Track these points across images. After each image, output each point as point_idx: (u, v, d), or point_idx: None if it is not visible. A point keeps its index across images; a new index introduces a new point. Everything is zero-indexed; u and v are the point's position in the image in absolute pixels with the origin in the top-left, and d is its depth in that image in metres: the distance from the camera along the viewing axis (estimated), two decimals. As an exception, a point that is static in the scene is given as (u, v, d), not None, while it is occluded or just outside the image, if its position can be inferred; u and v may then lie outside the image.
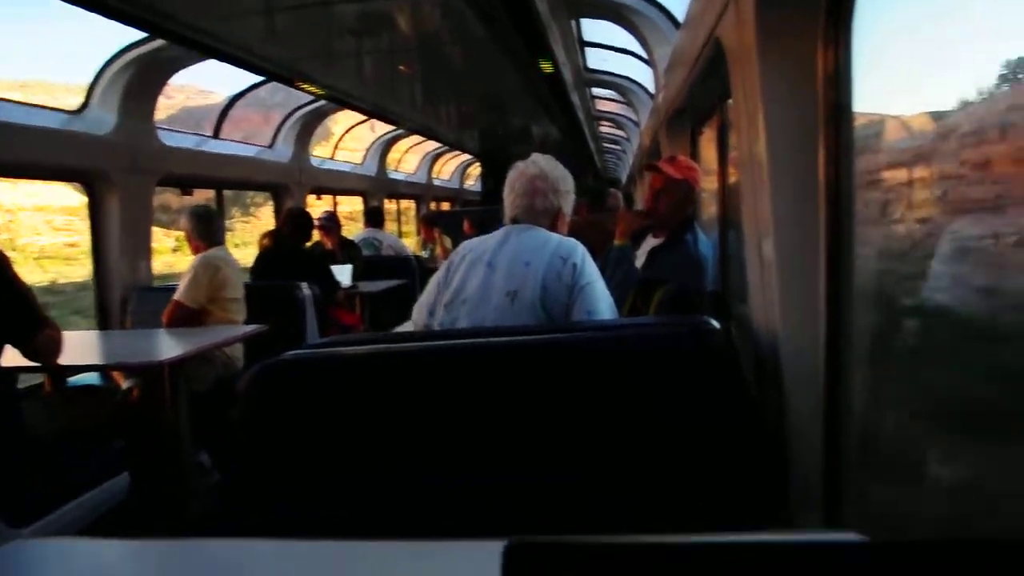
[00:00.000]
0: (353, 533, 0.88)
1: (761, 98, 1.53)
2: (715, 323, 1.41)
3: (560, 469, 1.31)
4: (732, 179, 2.98)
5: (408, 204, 11.51)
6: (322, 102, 6.28)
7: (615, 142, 11.07)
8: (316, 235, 5.50)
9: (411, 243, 8.49)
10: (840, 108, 1.41)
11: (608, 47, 5.54)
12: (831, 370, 1.43)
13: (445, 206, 13.04)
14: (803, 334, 1.48)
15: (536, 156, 2.12)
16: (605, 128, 10.03)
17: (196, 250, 3.58)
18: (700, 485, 1.29)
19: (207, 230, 3.59)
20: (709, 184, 3.52)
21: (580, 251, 1.93)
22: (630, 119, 7.74)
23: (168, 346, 3.08)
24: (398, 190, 10.22)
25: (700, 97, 3.05)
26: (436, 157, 11.47)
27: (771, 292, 1.56)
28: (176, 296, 3.46)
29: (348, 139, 8.87)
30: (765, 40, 1.53)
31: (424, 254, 7.63)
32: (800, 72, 1.49)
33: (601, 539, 0.43)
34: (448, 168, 13.06)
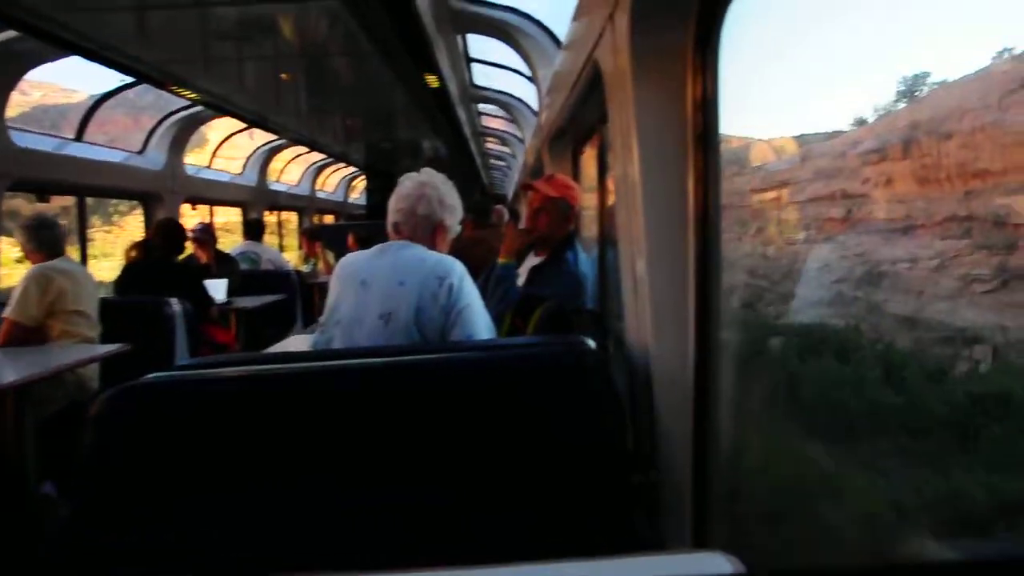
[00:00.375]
0: (217, 564, 0.81)
1: (635, 121, 1.56)
2: (590, 342, 1.43)
3: (436, 490, 1.30)
4: (611, 199, 3.06)
5: (290, 217, 11.09)
6: (199, 108, 5.95)
7: (501, 158, 11.20)
8: (189, 248, 5.20)
9: (293, 257, 8.18)
10: (708, 132, 1.46)
11: (494, 64, 5.59)
12: (700, 386, 1.47)
13: (329, 219, 12.71)
14: (673, 351, 1.52)
15: (430, 172, 2.09)
16: (492, 144, 10.13)
17: (34, 262, 3.25)
18: (575, 504, 1.30)
19: (43, 240, 3.27)
20: (592, 203, 3.60)
21: (458, 271, 1.89)
22: (516, 136, 7.85)
23: (10, 369, 2.76)
24: (280, 202, 9.84)
25: (581, 118, 3.12)
26: (320, 169, 11.15)
27: (643, 310, 1.59)
28: (6, 313, 3.13)
29: (227, 148, 8.43)
30: (639, 65, 1.56)
31: (306, 269, 7.39)
32: (672, 97, 1.53)
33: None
34: (333, 180, 12.74)
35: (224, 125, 7.24)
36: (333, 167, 11.64)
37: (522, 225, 2.95)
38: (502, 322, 2.34)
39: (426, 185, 2.03)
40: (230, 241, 8.14)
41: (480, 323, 1.89)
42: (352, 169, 12.34)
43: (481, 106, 7.29)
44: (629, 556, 0.72)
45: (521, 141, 7.22)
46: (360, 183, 13.76)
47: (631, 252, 1.68)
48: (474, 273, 2.83)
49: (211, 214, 8.00)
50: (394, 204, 2.04)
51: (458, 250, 4.06)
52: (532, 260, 2.83)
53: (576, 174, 3.88)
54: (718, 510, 1.49)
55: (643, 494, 1.60)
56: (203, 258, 5.51)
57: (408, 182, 2.05)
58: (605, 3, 1.73)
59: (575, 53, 2.52)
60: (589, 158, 3.59)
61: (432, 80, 4.83)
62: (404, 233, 2.01)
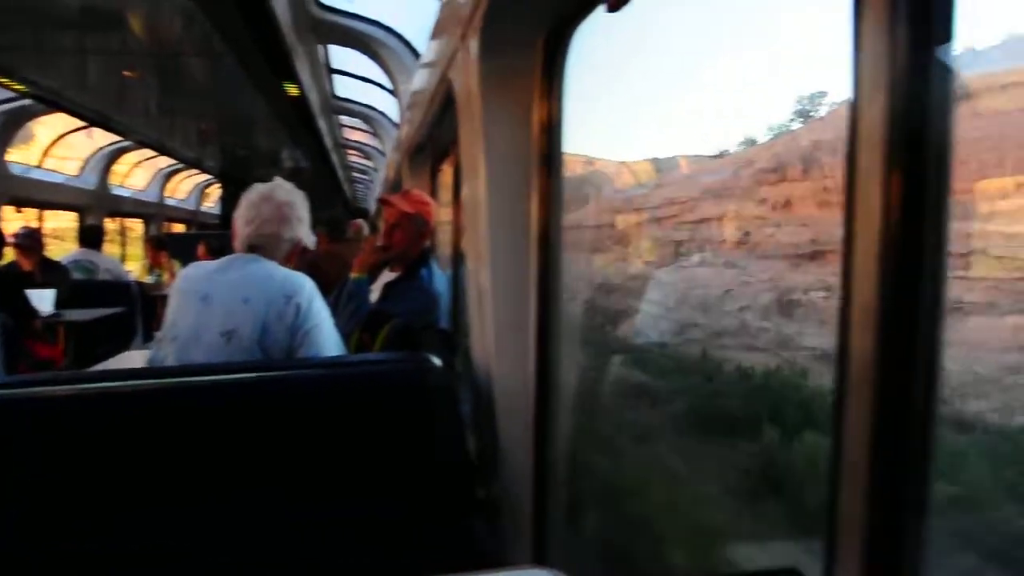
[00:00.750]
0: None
1: (482, 141, 1.58)
2: (435, 360, 1.44)
3: (280, 508, 1.28)
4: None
5: (135, 224, 10.24)
6: (27, 101, 5.38)
7: (364, 171, 11.02)
8: (10, 254, 4.72)
9: (136, 267, 7.54)
10: (552, 154, 1.51)
11: (356, 76, 5.51)
12: (540, 402, 1.50)
13: (180, 228, 11.89)
14: (515, 368, 1.54)
15: (281, 181, 1.96)
16: (355, 157, 9.94)
17: None
18: (420, 518, 1.32)
19: None
20: (449, 220, 3.61)
21: (307, 289, 1.80)
22: (378, 149, 7.75)
23: None
24: (123, 208, 9.08)
25: (438, 135, 3.13)
26: (171, 174, 10.43)
27: (487, 328, 1.61)
28: None
29: (63, 147, 7.65)
30: (488, 87, 1.59)
31: (150, 280, 6.82)
32: (519, 119, 1.57)
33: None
34: (185, 187, 11.95)
35: (61, 122, 6.62)
36: (185, 173, 10.94)
37: (377, 241, 2.91)
38: (351, 339, 2.28)
39: (285, 205, 1.91)
40: (61, 249, 7.38)
41: (329, 343, 1.82)
42: (206, 176, 11.66)
43: (344, 118, 7.14)
44: (462, 573, 0.72)
45: (383, 154, 7.14)
46: (215, 191, 13.02)
47: (476, 270, 1.69)
48: (327, 288, 2.74)
49: (40, 219, 7.24)
50: (252, 225, 1.88)
51: (312, 264, 3.92)
52: (387, 276, 2.79)
53: (435, 190, 3.88)
54: (558, 524, 1.53)
55: (487, 508, 1.62)
56: (26, 266, 4.96)
57: (266, 203, 1.90)
58: (458, 24, 1.74)
59: (432, 71, 2.52)
60: (447, 175, 3.60)
61: (292, 89, 4.69)
62: (259, 252, 1.88)
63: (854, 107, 0.62)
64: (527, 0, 1.43)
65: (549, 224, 1.49)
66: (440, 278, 2.68)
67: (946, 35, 0.58)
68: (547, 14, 1.45)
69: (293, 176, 2.10)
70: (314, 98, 5.42)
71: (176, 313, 1.78)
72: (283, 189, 1.93)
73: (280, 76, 4.35)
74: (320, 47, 4.86)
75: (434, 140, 3.36)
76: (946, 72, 0.58)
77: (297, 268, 3.41)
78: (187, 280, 1.83)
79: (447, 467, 1.38)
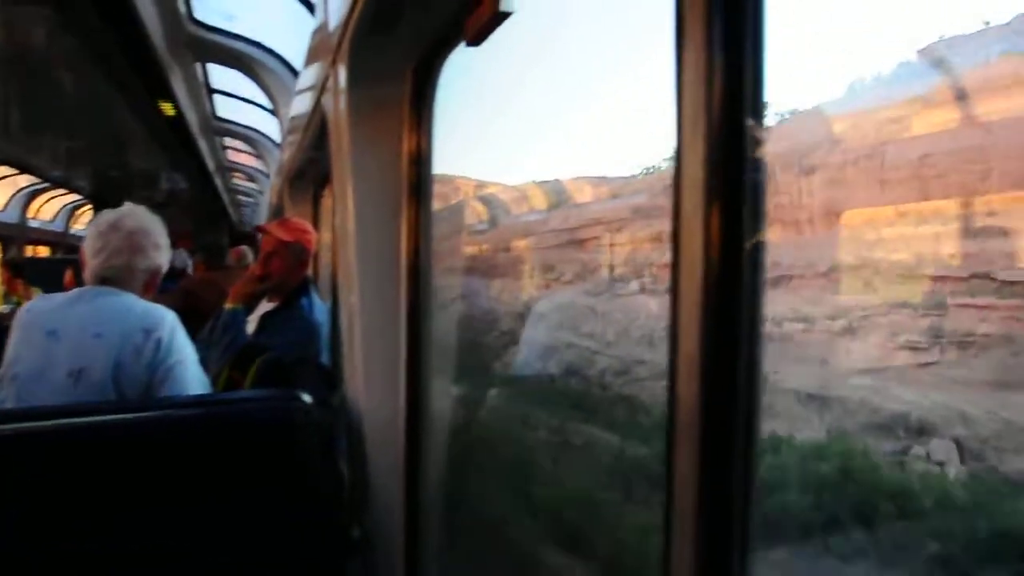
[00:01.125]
0: None
1: (351, 170, 1.56)
2: (305, 397, 1.39)
3: (147, 552, 1.21)
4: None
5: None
6: None
7: (250, 195, 10.63)
8: None
9: (-13, 296, 6.87)
10: (421, 184, 1.51)
11: (237, 97, 5.33)
12: (411, 438, 1.47)
13: (44, 251, 11.00)
14: (386, 404, 1.52)
15: (132, 207, 1.81)
16: (240, 180, 9.57)
17: None
18: (292, 558, 1.28)
19: None
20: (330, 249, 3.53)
21: (169, 322, 1.67)
22: (263, 172, 7.51)
23: None
24: None
25: (318, 160, 3.06)
26: (35, 194, 9.62)
27: (358, 360, 1.57)
28: None
29: None
30: (357, 115, 1.57)
31: (4, 309, 6.21)
32: (388, 149, 1.56)
33: None
34: (52, 208, 11.08)
35: None
36: (51, 193, 10.14)
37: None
38: (221, 375, 2.16)
39: (138, 233, 1.76)
40: None
41: (193, 381, 1.70)
42: (76, 197, 10.87)
43: (227, 139, 6.87)
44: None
45: (268, 177, 6.93)
46: (87, 213, 12.15)
47: (347, 300, 1.65)
48: (203, 318, 2.59)
49: None
50: (101, 256, 1.71)
51: (187, 292, 3.72)
52: (265, 306, 2.68)
53: (317, 217, 3.78)
54: (431, 556, 1.51)
55: (361, 547, 1.57)
56: None
57: (115, 232, 1.73)
58: (329, 50, 1.72)
59: (308, 95, 2.47)
60: (330, 201, 3.53)
61: (167, 107, 4.49)
62: (111, 284, 1.72)
63: (678, 154, 0.64)
64: (394, 31, 1.43)
65: (419, 254, 1.48)
66: (321, 308, 2.60)
67: (757, 95, 0.62)
68: (414, 46, 1.46)
69: (172, 198, 1.98)
70: (193, 118, 5.20)
71: (17, 349, 1.62)
72: (134, 216, 1.78)
73: (154, 94, 4.15)
74: (198, 65, 4.67)
75: (315, 165, 3.29)
76: (758, 124, 0.61)
77: (172, 297, 3.22)
78: (31, 313, 1.67)
79: (320, 507, 1.34)
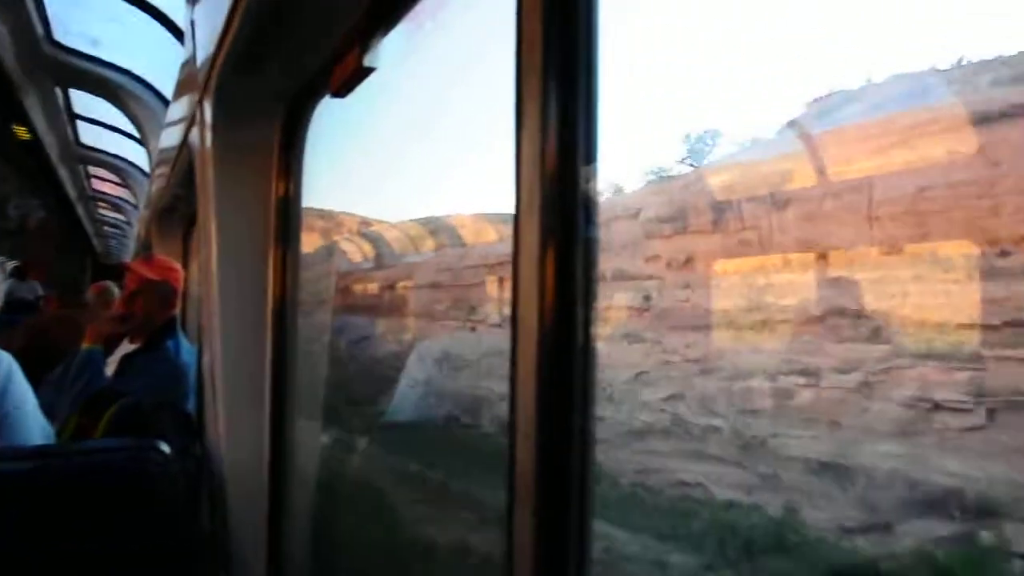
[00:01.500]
0: None
1: (216, 210, 1.52)
2: (163, 446, 1.32)
3: None
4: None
5: None
6: None
7: (117, 226, 9.98)
8: None
9: None
10: (289, 230, 1.49)
11: (103, 124, 5.03)
12: (275, 487, 1.44)
13: None
14: (250, 452, 1.47)
15: None
16: (106, 210, 8.98)
17: None
18: None
19: None
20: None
21: (3, 367, 1.55)
22: (132, 203, 7.10)
23: None
24: None
25: (188, 197, 2.95)
26: None
27: (220, 406, 1.52)
28: None
29: None
30: (222, 156, 1.54)
31: None
32: (256, 193, 1.53)
33: None
34: None
35: None
36: None
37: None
38: (69, 422, 2.01)
39: None
40: None
41: (33, 428, 1.57)
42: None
43: (93, 168, 6.45)
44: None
45: (137, 209, 6.54)
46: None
47: (209, 345, 1.60)
48: (53, 358, 2.40)
49: None
50: None
51: (39, 331, 3.43)
52: (126, 347, 2.52)
53: (187, 255, 3.61)
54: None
55: None
56: None
57: None
58: (197, 85, 1.68)
59: (177, 128, 2.39)
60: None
61: (21, 132, 4.17)
62: None
63: (517, 201, 0.68)
64: (263, 72, 1.41)
65: (286, 298, 1.46)
66: (189, 351, 2.48)
67: (589, 149, 0.67)
68: (285, 90, 1.45)
69: (30, 227, 1.85)
70: (52, 143, 4.87)
71: None
72: None
73: (6, 117, 3.85)
74: (58, 90, 4.38)
75: (185, 200, 3.16)
76: (589, 175, 0.66)
77: (18, 333, 2.97)
78: None
79: (180, 563, 1.28)
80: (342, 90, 1.17)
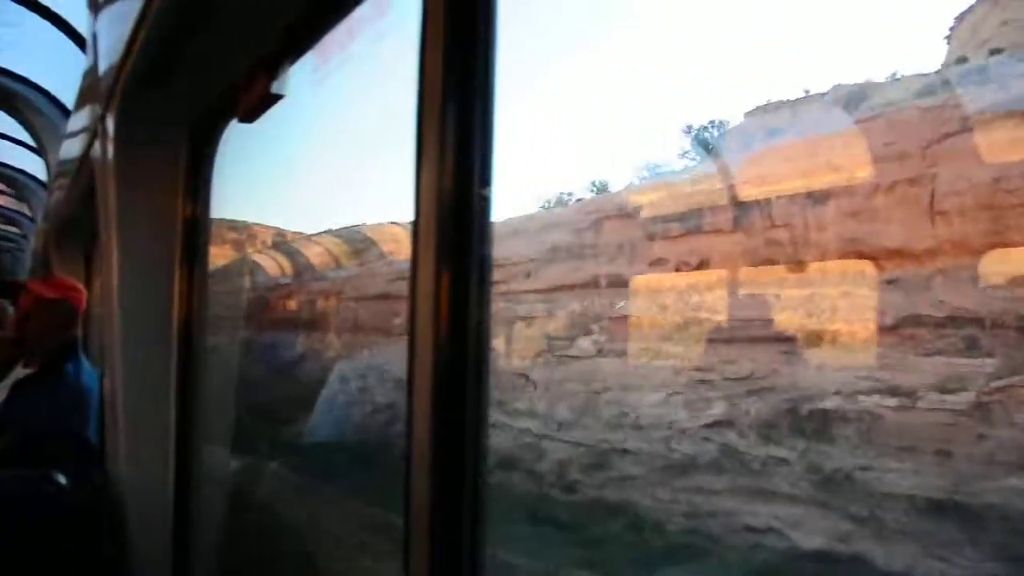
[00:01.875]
0: None
1: (119, 228, 1.47)
2: (60, 476, 1.26)
3: None
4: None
5: None
6: None
7: (12, 239, 9.36)
8: None
9: None
10: (196, 252, 1.45)
11: (-3, 133, 4.71)
12: (180, 515, 1.39)
13: None
14: (154, 479, 1.42)
15: None
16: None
17: None
18: None
19: None
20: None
21: None
22: (28, 216, 6.67)
23: None
24: None
25: (90, 210, 2.81)
26: None
27: (123, 434, 1.46)
28: None
29: None
30: (128, 173, 1.49)
31: None
32: (161, 212, 1.48)
33: None
34: None
35: None
36: None
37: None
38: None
39: None
40: None
41: None
42: None
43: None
44: None
45: (34, 222, 6.15)
46: None
47: (111, 370, 1.53)
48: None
49: None
50: None
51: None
52: (20, 372, 2.37)
53: (89, 272, 3.42)
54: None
55: None
56: None
57: None
58: (99, 99, 1.62)
59: (79, 140, 2.28)
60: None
61: None
62: None
63: (415, 222, 0.70)
64: (170, 87, 1.38)
65: (192, 320, 1.42)
66: (91, 374, 2.35)
67: (484, 172, 0.70)
68: (192, 109, 1.42)
69: None
70: (-71, 150, 4.52)
71: None
72: None
73: None
74: (-60, 94, 4.08)
75: (88, 215, 3.00)
76: (484, 201, 0.69)
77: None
78: None
79: None
80: (250, 115, 1.16)
